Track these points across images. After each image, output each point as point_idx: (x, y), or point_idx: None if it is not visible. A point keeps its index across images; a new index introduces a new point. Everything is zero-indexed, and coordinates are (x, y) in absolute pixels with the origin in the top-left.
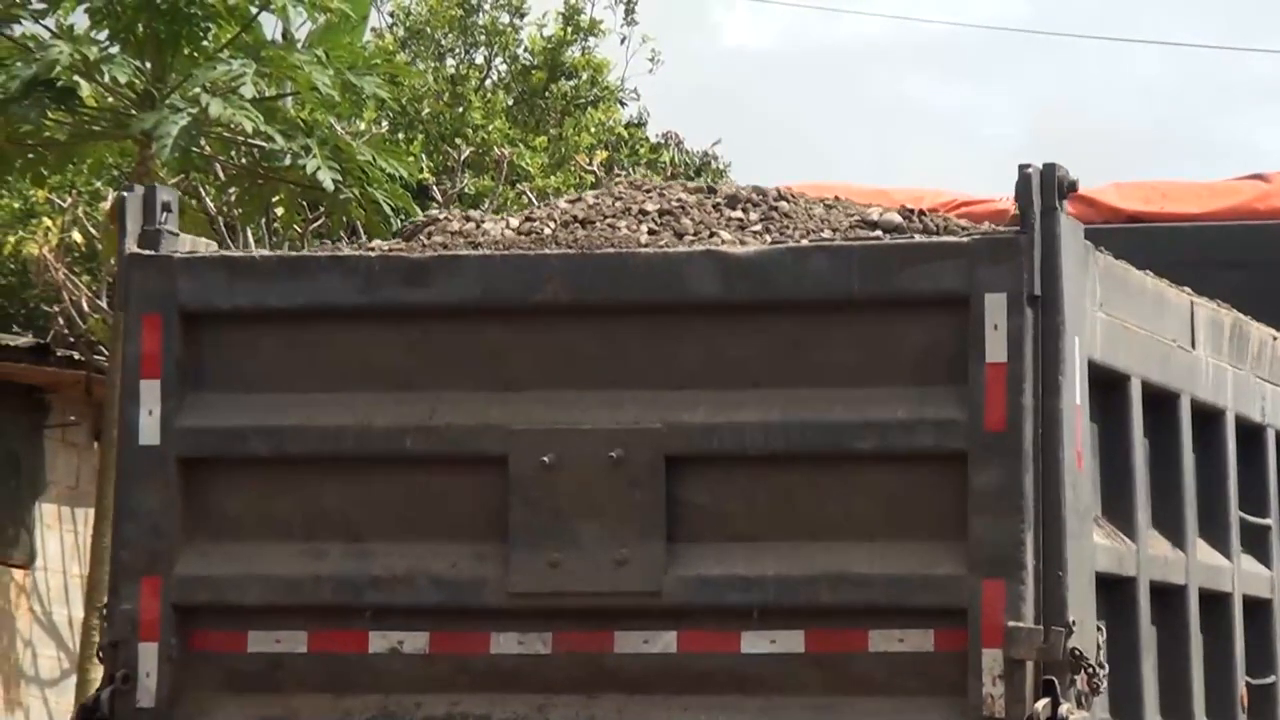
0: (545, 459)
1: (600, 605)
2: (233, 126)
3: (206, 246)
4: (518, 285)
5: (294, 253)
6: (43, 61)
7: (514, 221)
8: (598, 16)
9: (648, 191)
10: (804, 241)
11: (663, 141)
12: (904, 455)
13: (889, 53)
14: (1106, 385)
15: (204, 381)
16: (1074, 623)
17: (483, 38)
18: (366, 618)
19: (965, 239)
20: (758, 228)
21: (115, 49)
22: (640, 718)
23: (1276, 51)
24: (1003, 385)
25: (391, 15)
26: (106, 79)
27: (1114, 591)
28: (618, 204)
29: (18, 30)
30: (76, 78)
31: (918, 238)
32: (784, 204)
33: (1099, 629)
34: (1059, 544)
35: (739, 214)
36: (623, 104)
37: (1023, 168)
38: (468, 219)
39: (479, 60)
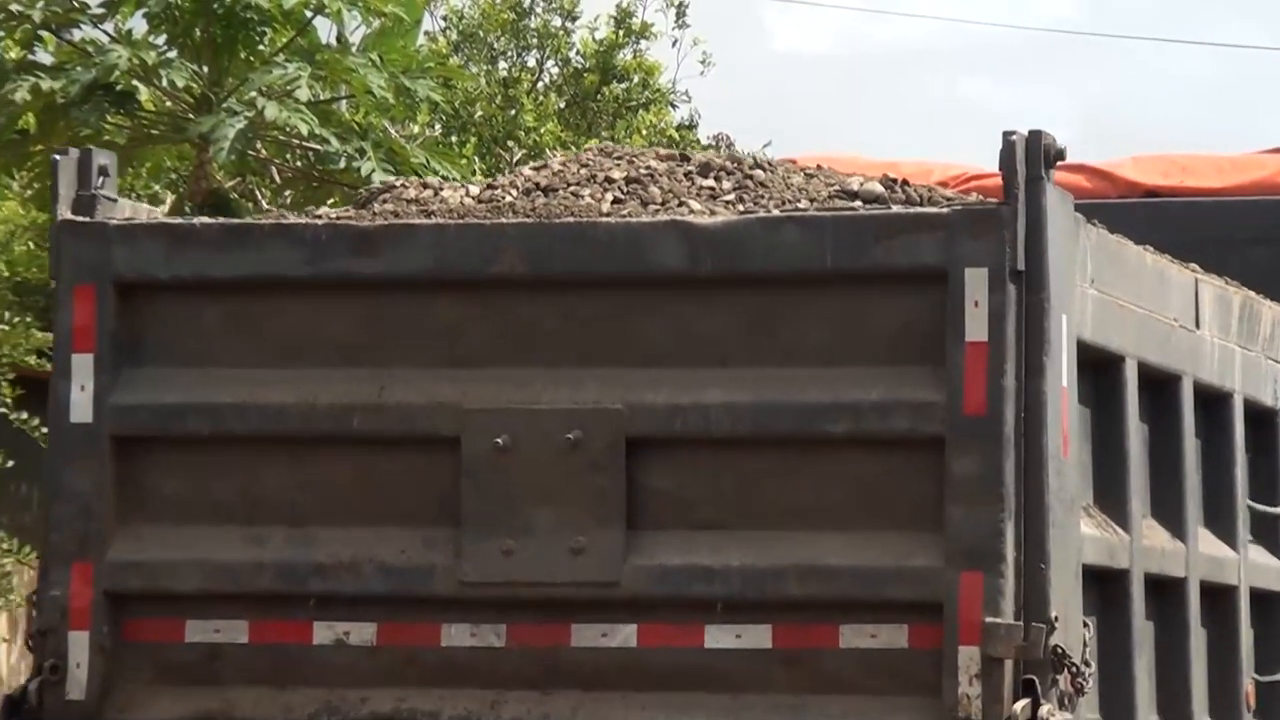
0: (499, 440)
1: (556, 596)
2: (288, 129)
3: (148, 214)
4: (472, 256)
5: (236, 220)
6: (102, 66)
7: (474, 189)
8: (649, 20)
9: (616, 158)
10: (776, 212)
11: (714, 144)
12: (878, 439)
13: (940, 55)
14: (1099, 366)
15: (140, 356)
16: (1057, 619)
17: (535, 41)
18: (310, 607)
19: (944, 210)
20: (730, 197)
21: (173, 54)
22: (597, 716)
23: None
24: (983, 366)
25: (444, 19)
26: (164, 83)
27: (1105, 585)
28: (583, 171)
29: (77, 35)
30: (135, 82)
31: (896, 209)
32: (759, 172)
33: (1086, 625)
34: (1041, 535)
35: (711, 183)
36: (674, 106)
37: (1007, 135)
38: (425, 186)
39: (531, 63)
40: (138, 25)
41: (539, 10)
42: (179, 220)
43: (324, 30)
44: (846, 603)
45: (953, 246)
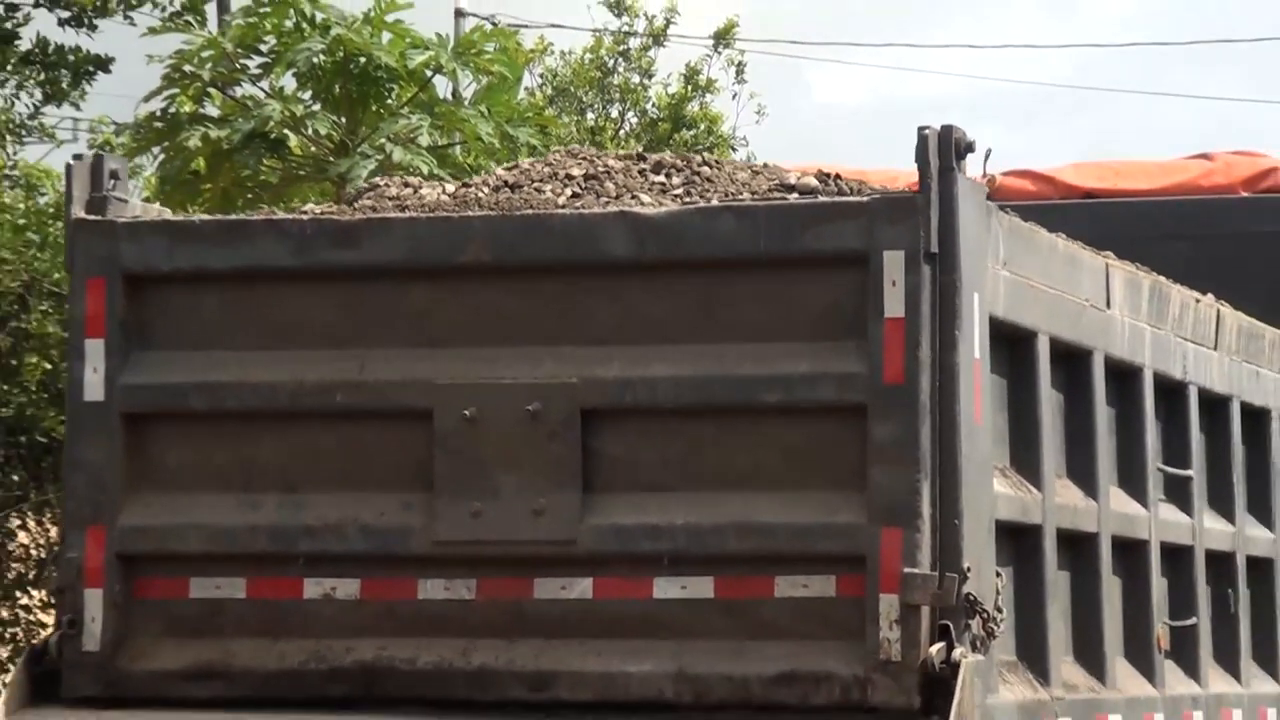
0: (467, 412)
1: (520, 553)
2: (411, 170)
3: (156, 213)
4: (442, 246)
5: (231, 216)
6: (259, 117)
7: (449, 187)
8: (713, 76)
9: (578, 158)
10: (716, 203)
11: None
12: (807, 408)
13: (958, 106)
14: (1013, 341)
15: (146, 340)
16: (969, 569)
17: (617, 95)
18: (300, 565)
19: (865, 199)
20: (679, 191)
21: (317, 106)
22: (558, 661)
23: None
24: (900, 340)
25: (541, 76)
26: (310, 131)
27: (1020, 539)
28: (546, 169)
29: (239, 92)
30: (286, 131)
31: (822, 199)
32: (706, 169)
33: (999, 575)
34: (955, 493)
35: (662, 178)
36: (734, 150)
37: (921, 129)
38: (406, 184)
39: (614, 114)
40: (289, 83)
41: (620, 69)
42: (180, 217)
43: (441, 87)
44: (780, 556)
45: (872, 232)
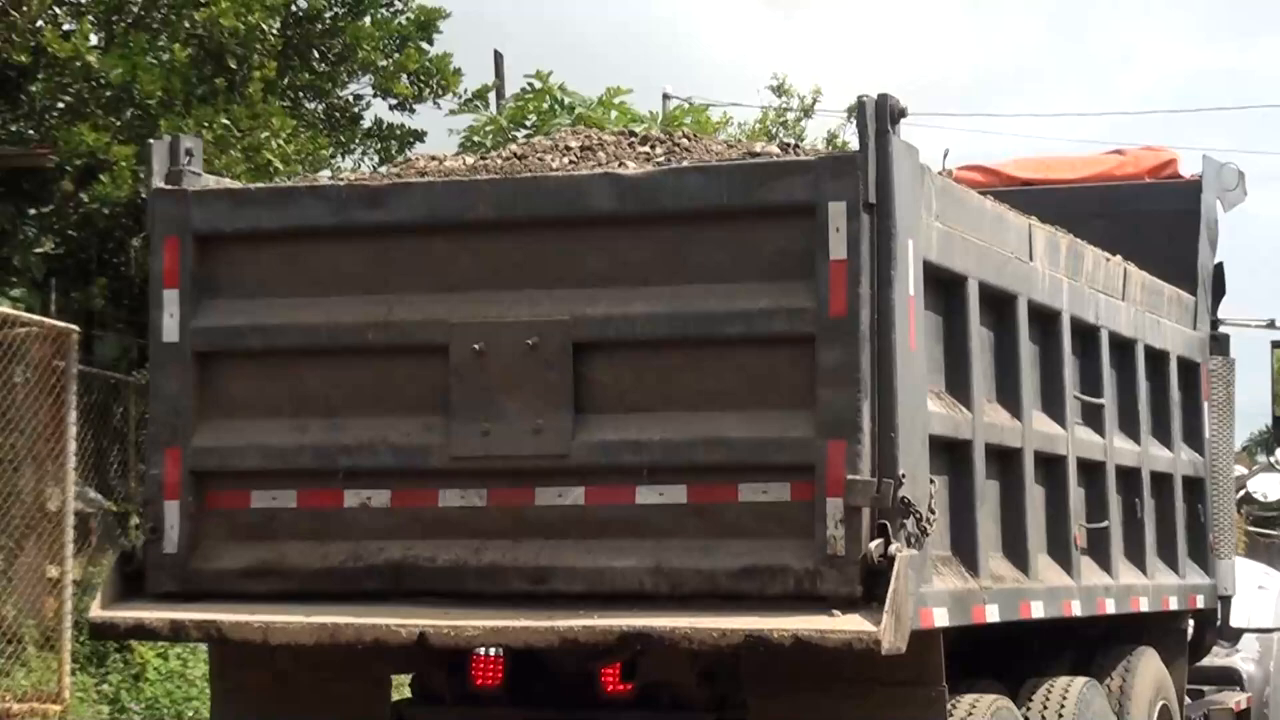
0: (477, 346)
1: (523, 466)
2: None
3: (219, 183)
4: (455, 206)
5: (280, 184)
6: None
7: (469, 159)
8: (847, 139)
9: (577, 133)
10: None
11: None
12: (765, 339)
13: None
14: (947, 284)
15: (213, 290)
16: (904, 476)
17: None
18: (340, 479)
19: (812, 158)
20: (661, 159)
21: None
22: (555, 559)
23: None
24: (843, 278)
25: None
26: None
27: (954, 453)
28: (549, 143)
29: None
30: None
31: (776, 158)
32: (685, 141)
33: (932, 482)
34: (892, 411)
35: (647, 149)
36: None
37: (860, 97)
38: (433, 158)
39: None
40: None
41: (780, 136)
42: (239, 185)
43: None
44: (743, 466)
45: (819, 186)
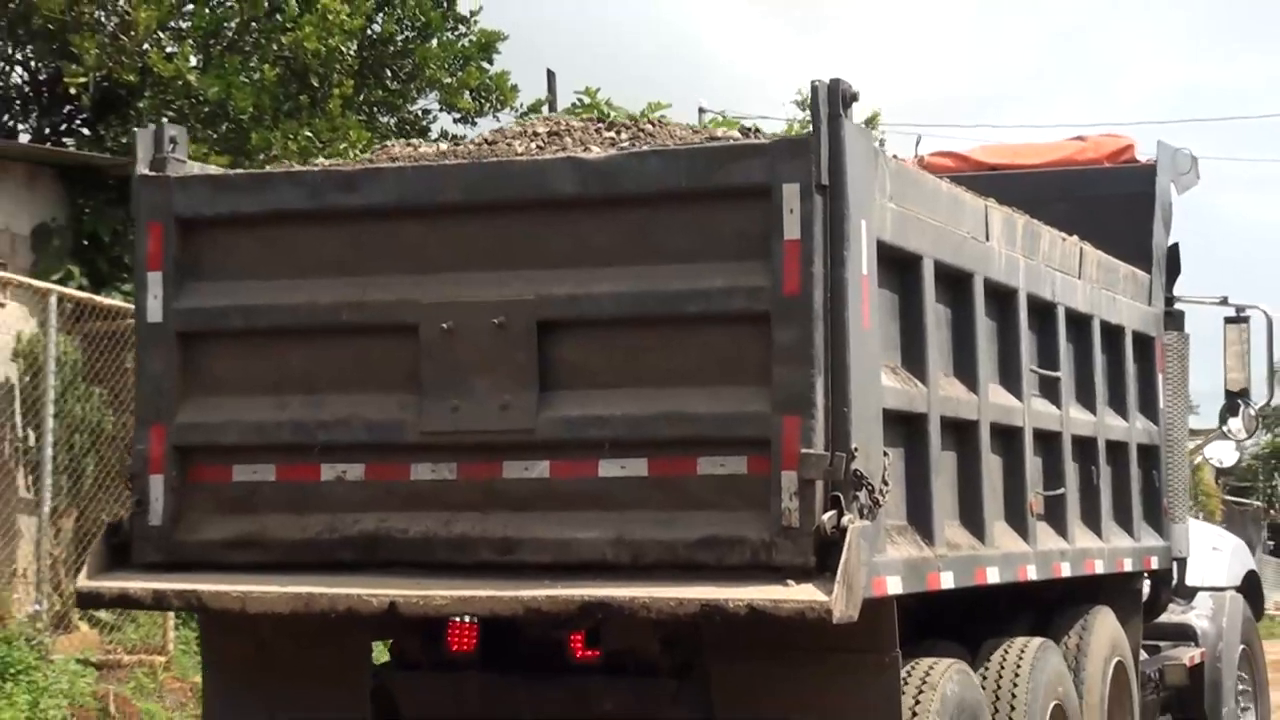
0: (445, 326)
1: (491, 441)
2: None
3: (201, 170)
4: (425, 190)
5: (259, 170)
6: None
7: (444, 146)
8: None
9: (545, 120)
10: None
11: None
12: (723, 317)
13: None
14: (902, 263)
15: (195, 272)
16: (856, 450)
17: None
18: (317, 453)
19: (767, 142)
20: (626, 144)
21: None
22: (521, 530)
23: None
24: (797, 258)
25: None
26: None
27: (910, 425)
28: (519, 129)
29: None
30: None
31: (733, 142)
32: (650, 127)
33: (886, 454)
34: (845, 387)
35: (612, 135)
36: None
37: (813, 82)
38: (409, 144)
39: None
40: None
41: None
42: (220, 171)
43: None
44: (702, 440)
45: (774, 168)
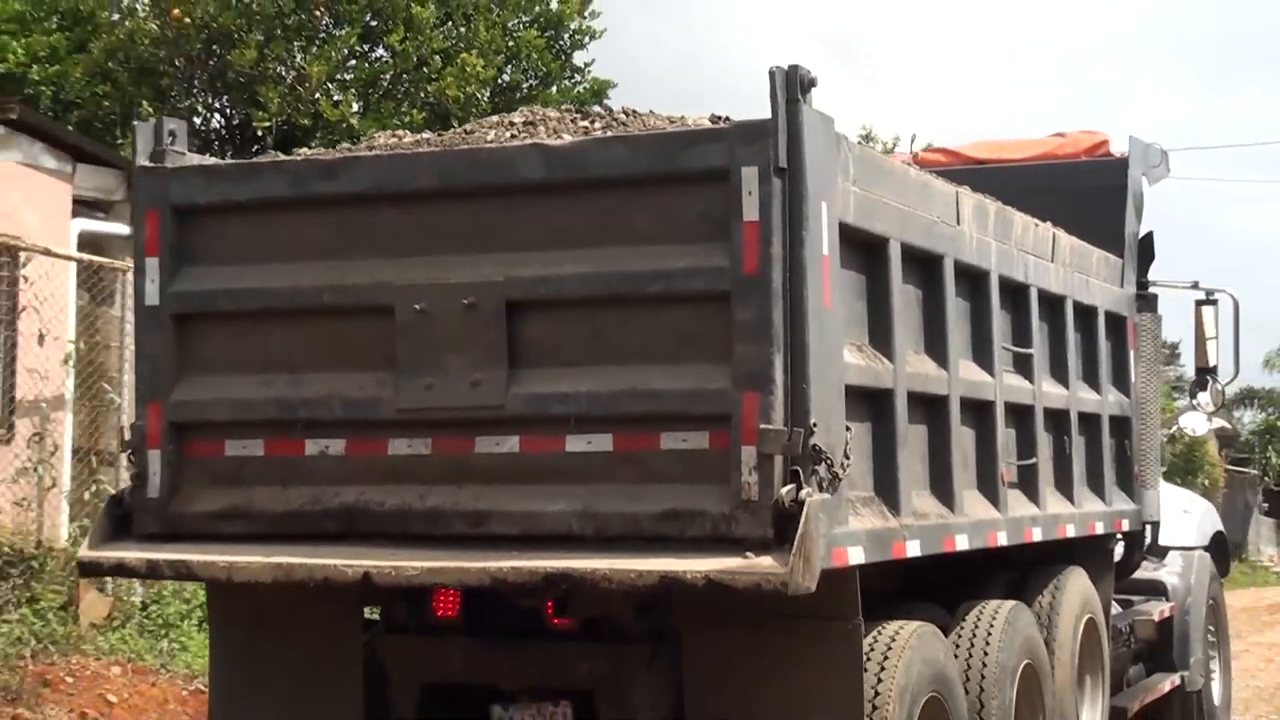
0: (418, 307)
1: (462, 417)
2: None
3: (199, 161)
4: (399, 177)
5: (247, 160)
6: None
7: (428, 135)
8: None
9: (523, 110)
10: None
11: None
12: (685, 296)
13: None
14: (867, 244)
15: (189, 257)
16: (815, 425)
17: None
18: (301, 429)
19: (726, 126)
20: (599, 132)
21: None
22: (493, 502)
23: None
24: (756, 239)
25: None
26: None
27: (877, 401)
28: (496, 119)
29: None
30: None
31: (694, 127)
32: (624, 116)
33: (848, 429)
34: (804, 364)
35: (586, 124)
36: None
37: (771, 69)
38: (394, 135)
39: None
40: None
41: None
42: (212, 162)
43: None
44: (665, 416)
45: (733, 152)
